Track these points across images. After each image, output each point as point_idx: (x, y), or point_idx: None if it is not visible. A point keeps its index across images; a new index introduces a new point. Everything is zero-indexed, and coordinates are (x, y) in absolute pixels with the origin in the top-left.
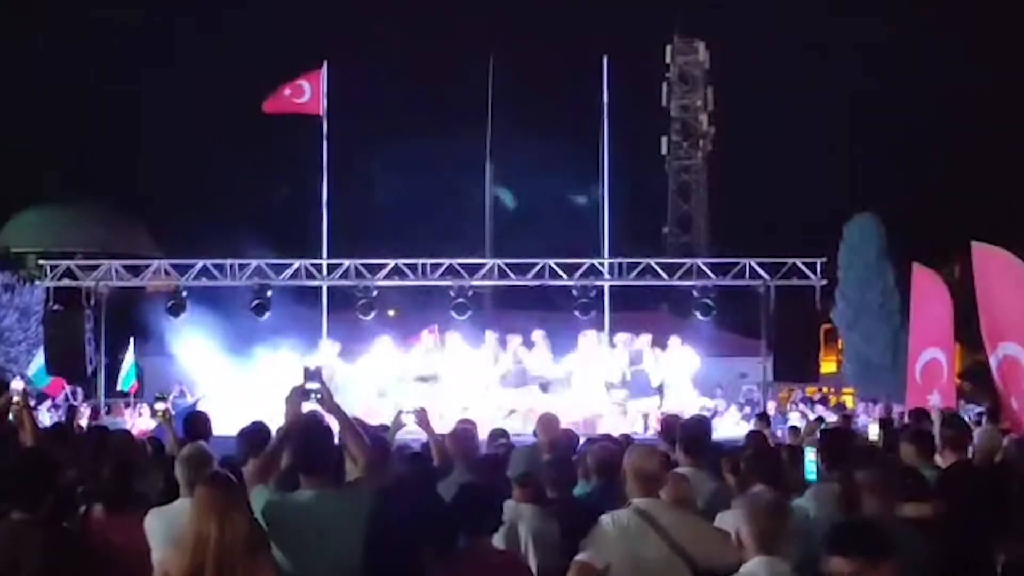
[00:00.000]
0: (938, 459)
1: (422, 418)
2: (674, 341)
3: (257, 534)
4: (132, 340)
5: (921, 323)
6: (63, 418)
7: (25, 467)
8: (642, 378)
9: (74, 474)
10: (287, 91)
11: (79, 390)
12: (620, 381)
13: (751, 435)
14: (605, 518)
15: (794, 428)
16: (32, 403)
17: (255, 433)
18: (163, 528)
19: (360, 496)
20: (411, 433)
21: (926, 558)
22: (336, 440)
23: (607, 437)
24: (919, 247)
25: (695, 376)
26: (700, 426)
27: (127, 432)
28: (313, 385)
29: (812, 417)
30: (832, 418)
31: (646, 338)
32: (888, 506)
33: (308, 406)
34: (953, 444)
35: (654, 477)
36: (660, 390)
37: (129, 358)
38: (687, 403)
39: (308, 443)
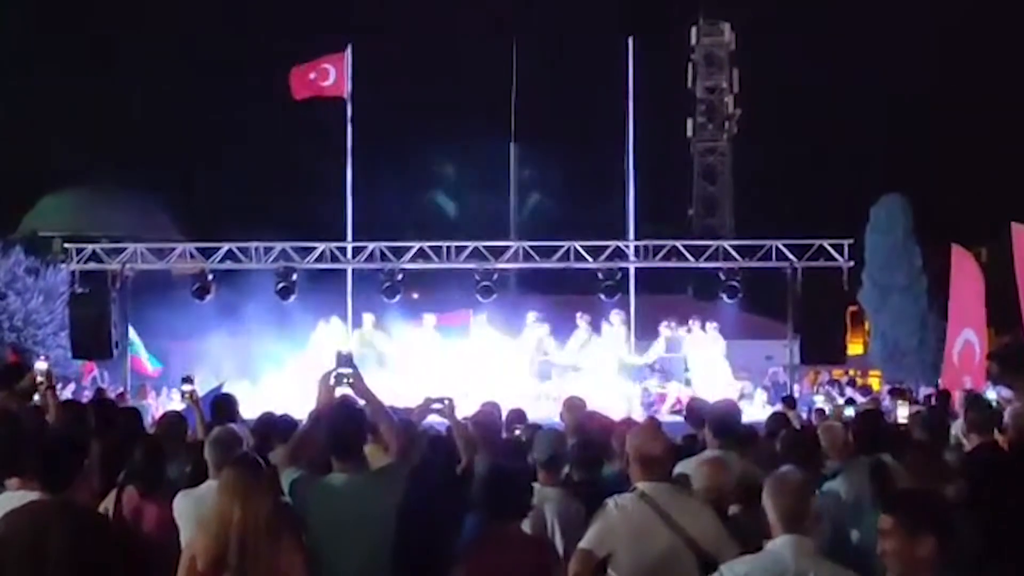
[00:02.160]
0: (964, 441)
1: (449, 409)
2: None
3: (283, 517)
4: (128, 326)
5: (959, 305)
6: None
7: (50, 448)
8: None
9: (99, 452)
10: (312, 75)
11: (106, 373)
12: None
13: (773, 417)
14: (609, 502)
15: (820, 411)
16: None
17: (281, 422)
18: (191, 510)
19: (393, 482)
20: (439, 420)
21: (967, 541)
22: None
23: (629, 421)
24: (947, 228)
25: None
26: (729, 409)
27: (178, 413)
28: (345, 370)
29: (840, 400)
30: (860, 400)
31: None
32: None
33: (340, 391)
34: (979, 427)
35: (657, 460)
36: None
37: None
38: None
39: (341, 427)
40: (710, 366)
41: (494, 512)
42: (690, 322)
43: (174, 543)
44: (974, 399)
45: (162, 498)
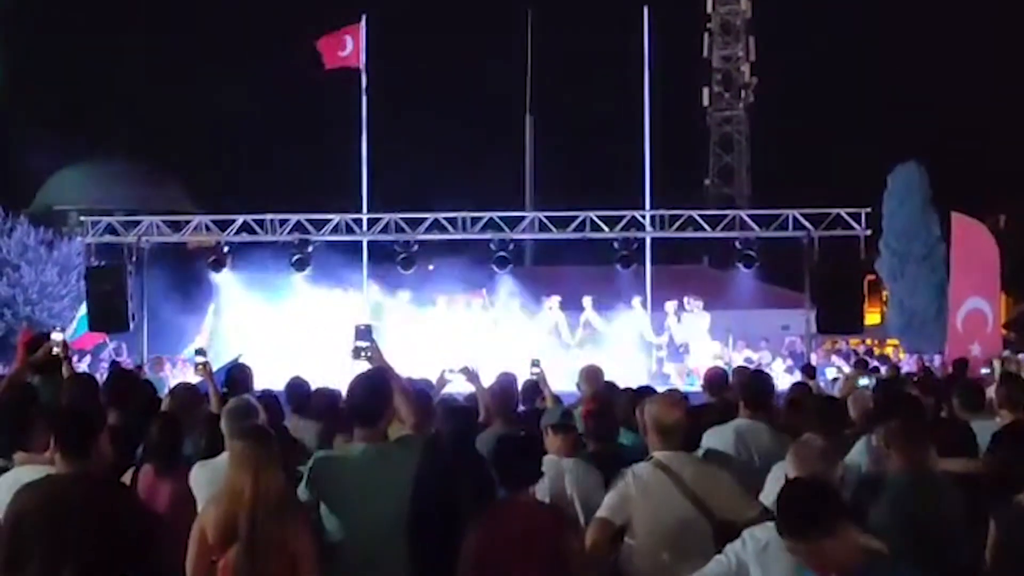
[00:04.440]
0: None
1: (473, 375)
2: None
3: (293, 489)
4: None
5: (962, 272)
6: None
7: (67, 420)
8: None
9: (114, 426)
10: (339, 48)
11: (123, 346)
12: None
13: (795, 386)
14: (626, 472)
15: (836, 381)
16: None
17: (295, 388)
18: (209, 481)
19: (410, 452)
20: (457, 390)
21: (964, 514)
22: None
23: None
24: (965, 196)
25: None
26: (761, 379)
27: (190, 385)
28: (363, 343)
29: (847, 369)
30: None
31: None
32: (914, 459)
33: (359, 364)
34: (1011, 403)
35: (673, 429)
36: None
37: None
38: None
39: (367, 396)
40: (701, 342)
41: (505, 481)
42: (686, 301)
43: (189, 519)
44: (1008, 374)
45: (178, 475)
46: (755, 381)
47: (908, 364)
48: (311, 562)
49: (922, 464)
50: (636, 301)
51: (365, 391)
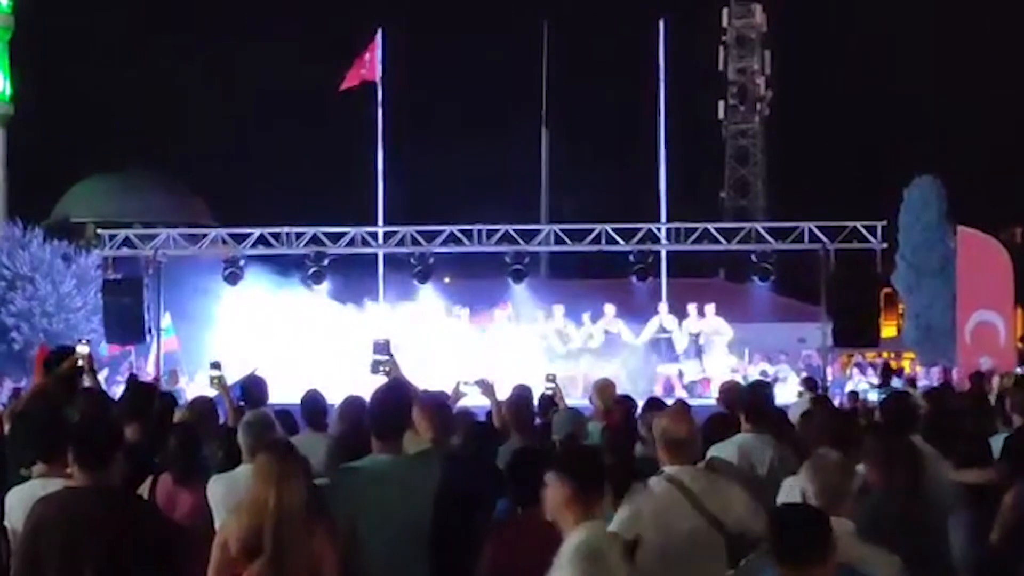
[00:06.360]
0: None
1: (488, 388)
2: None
3: (316, 502)
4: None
5: (969, 286)
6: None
7: (90, 431)
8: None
9: (141, 438)
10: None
11: (144, 359)
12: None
13: (814, 400)
14: (637, 486)
15: (853, 394)
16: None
17: (311, 403)
18: (225, 494)
19: (431, 465)
20: (473, 404)
21: (975, 525)
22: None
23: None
24: (981, 210)
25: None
26: (761, 391)
27: (207, 399)
28: (382, 357)
29: (876, 382)
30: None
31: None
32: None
33: (376, 379)
34: (1021, 409)
35: (683, 443)
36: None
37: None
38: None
39: (389, 408)
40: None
41: (519, 494)
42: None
43: (208, 530)
44: (1020, 380)
45: (196, 485)
46: (754, 395)
47: (928, 376)
48: (334, 574)
49: (905, 479)
50: (662, 307)
51: (385, 405)
